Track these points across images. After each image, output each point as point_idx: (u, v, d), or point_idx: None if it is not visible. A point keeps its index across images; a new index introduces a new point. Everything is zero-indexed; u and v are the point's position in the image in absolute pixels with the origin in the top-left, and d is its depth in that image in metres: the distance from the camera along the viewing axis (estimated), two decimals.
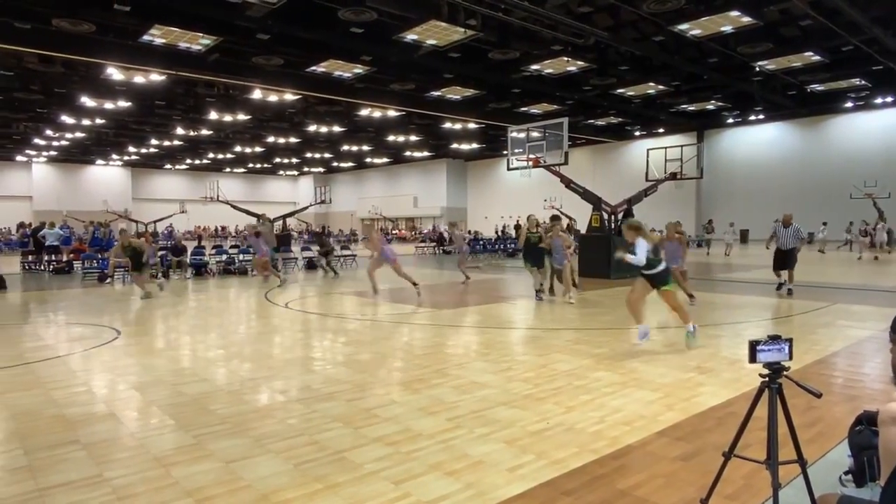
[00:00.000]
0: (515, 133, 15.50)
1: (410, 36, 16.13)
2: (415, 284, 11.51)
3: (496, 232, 36.15)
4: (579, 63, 19.18)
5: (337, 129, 31.02)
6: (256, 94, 22.42)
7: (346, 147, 39.08)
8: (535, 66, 19.63)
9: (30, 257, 19.19)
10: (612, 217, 16.04)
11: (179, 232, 39.66)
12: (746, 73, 21.09)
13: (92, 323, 8.85)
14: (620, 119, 31.33)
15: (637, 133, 35.88)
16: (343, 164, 50.74)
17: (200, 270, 16.85)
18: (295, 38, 15.82)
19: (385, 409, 4.59)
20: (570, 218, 30.29)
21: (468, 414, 4.43)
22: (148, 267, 12.30)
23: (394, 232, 47.73)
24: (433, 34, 15.90)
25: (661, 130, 34.06)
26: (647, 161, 18.84)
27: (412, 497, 3.10)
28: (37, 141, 35.05)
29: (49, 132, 31.99)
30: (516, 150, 15.30)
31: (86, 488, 3.24)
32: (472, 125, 30.77)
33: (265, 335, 8.04)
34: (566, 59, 18.54)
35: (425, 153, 43.56)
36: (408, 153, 43.71)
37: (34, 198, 44.37)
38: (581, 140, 36.31)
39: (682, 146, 18.61)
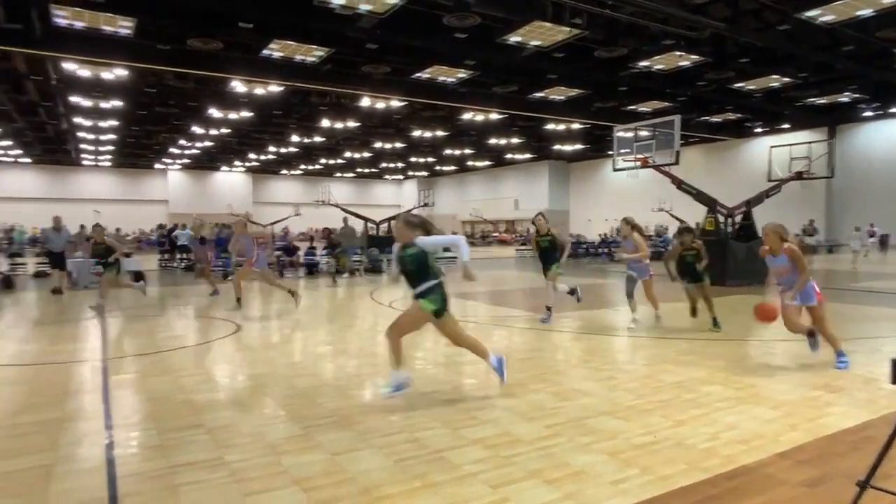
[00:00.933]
0: (622, 133, 15.03)
1: (514, 38, 16.07)
2: (291, 293, 10.21)
3: (600, 235, 35.15)
4: (693, 57, 18.15)
5: (440, 133, 31.61)
6: (365, 102, 23.41)
7: (448, 151, 39.75)
8: (643, 63, 18.85)
9: (165, 255, 21.25)
10: (729, 220, 15.07)
11: (293, 233, 42.32)
12: (887, 60, 18.92)
13: (216, 317, 9.62)
14: (739, 115, 29.25)
15: (758, 130, 33.32)
16: (445, 168, 51.59)
17: (312, 270, 17.79)
18: (401, 45, 16.32)
19: (484, 411, 4.58)
20: (681, 220, 28.85)
21: (569, 422, 4.32)
22: (114, 269, 10.09)
23: (494, 235, 47.72)
24: (537, 35, 15.75)
25: (785, 126, 31.37)
26: (770, 159, 17.53)
27: (510, 502, 3.07)
28: (172, 150, 38.98)
29: (182, 142, 35.39)
30: (622, 151, 14.83)
31: (208, 469, 3.52)
32: (575, 126, 30.12)
33: (369, 333, 8.33)
34: (678, 53, 17.64)
35: (527, 155, 43.21)
36: (509, 155, 43.58)
37: (170, 201, 49.31)
38: (694, 138, 34.33)
39: (810, 143, 17.14)
